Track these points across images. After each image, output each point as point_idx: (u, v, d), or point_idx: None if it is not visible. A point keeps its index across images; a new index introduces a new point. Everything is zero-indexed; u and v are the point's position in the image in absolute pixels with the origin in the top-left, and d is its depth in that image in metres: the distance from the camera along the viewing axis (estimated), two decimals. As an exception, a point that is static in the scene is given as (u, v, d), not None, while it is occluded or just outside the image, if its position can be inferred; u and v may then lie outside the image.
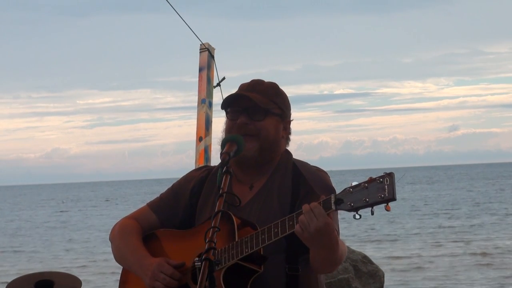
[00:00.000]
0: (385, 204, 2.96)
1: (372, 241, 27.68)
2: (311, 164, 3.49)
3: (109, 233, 3.62)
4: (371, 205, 2.97)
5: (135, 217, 3.59)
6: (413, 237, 28.74)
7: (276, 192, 3.40)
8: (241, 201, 3.30)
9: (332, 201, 3.06)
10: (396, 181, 2.94)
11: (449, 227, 32.13)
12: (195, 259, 3.26)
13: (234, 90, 3.55)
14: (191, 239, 3.42)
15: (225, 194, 3.11)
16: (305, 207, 3.09)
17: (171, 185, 3.65)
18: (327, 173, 3.44)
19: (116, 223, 3.61)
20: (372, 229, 32.41)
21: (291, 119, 3.50)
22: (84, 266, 24.47)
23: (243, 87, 3.48)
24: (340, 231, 3.34)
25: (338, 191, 3.12)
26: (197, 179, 3.55)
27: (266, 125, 3.41)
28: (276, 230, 3.15)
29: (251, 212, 3.37)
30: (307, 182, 3.37)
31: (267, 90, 3.45)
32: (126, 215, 3.66)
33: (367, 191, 2.97)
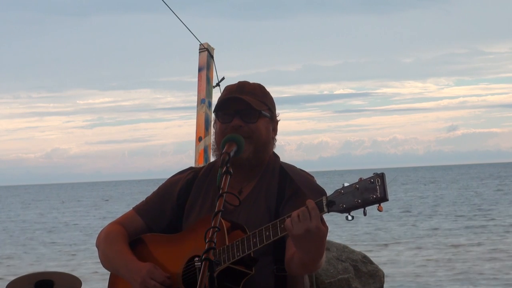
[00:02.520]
0: (378, 205, 2.93)
1: (373, 242, 27.66)
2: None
3: (95, 240, 3.58)
4: (363, 206, 2.95)
5: (121, 222, 3.54)
6: (414, 238, 28.72)
7: (264, 195, 3.37)
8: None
9: (324, 203, 3.02)
10: (388, 182, 2.92)
11: (449, 228, 32.10)
12: (195, 259, 3.21)
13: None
14: (178, 244, 3.38)
15: (224, 194, 3.05)
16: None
17: (156, 188, 3.60)
18: (314, 177, 3.40)
19: (102, 230, 3.56)
20: (373, 229, 32.40)
21: (278, 119, 3.48)
22: (84, 266, 24.47)
23: (232, 90, 3.42)
24: None
25: (329, 193, 3.07)
26: (184, 181, 3.51)
27: (259, 126, 3.38)
28: (267, 233, 3.12)
29: (239, 217, 3.33)
30: (294, 183, 3.33)
31: (256, 91, 3.42)
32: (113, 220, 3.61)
33: (358, 192, 2.95)
